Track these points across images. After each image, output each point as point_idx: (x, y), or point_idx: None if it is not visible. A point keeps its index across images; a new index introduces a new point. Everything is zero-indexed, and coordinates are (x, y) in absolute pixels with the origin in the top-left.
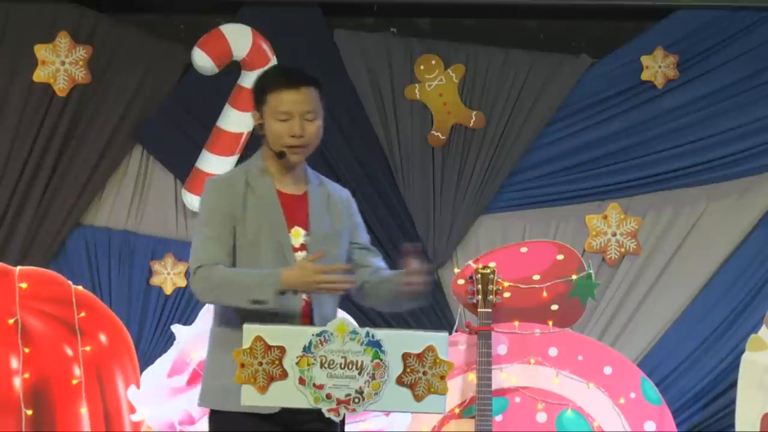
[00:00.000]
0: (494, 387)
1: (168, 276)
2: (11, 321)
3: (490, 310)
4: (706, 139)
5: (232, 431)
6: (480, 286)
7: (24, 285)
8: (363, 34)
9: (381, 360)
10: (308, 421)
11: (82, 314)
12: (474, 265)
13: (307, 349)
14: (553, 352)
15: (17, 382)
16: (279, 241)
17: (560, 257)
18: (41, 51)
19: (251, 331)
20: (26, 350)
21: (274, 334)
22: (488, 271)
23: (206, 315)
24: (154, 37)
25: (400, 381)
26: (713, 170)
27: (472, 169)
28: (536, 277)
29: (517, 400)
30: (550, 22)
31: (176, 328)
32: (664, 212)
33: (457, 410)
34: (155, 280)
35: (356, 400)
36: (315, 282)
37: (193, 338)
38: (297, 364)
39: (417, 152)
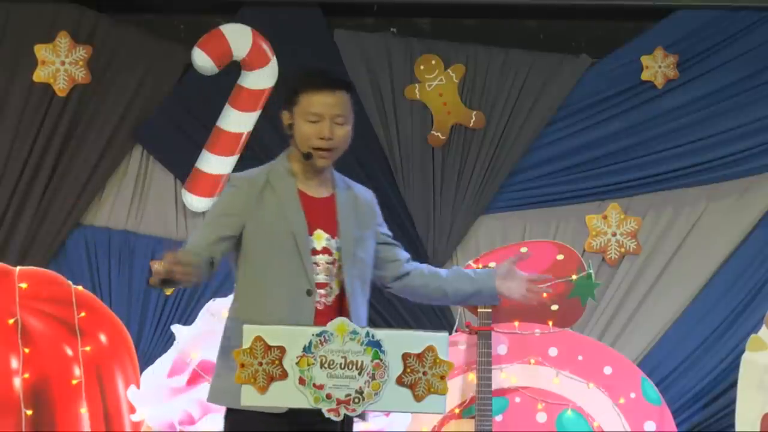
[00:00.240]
0: (494, 387)
1: None
2: (11, 321)
3: (490, 310)
4: (706, 139)
5: (250, 431)
6: None
7: (24, 285)
8: (363, 34)
9: (381, 360)
10: (321, 421)
11: (82, 314)
12: (474, 265)
13: (307, 349)
14: (553, 352)
15: (17, 382)
16: (296, 242)
17: (560, 257)
18: (41, 51)
19: (251, 331)
20: (26, 350)
21: (274, 334)
22: None
23: (206, 315)
24: (154, 37)
25: (400, 381)
26: (713, 170)
27: (472, 169)
28: None
29: (517, 400)
30: (550, 22)
31: (176, 328)
32: (664, 212)
33: (457, 410)
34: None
35: (356, 400)
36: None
37: (193, 338)
38: (297, 364)
39: (417, 152)
